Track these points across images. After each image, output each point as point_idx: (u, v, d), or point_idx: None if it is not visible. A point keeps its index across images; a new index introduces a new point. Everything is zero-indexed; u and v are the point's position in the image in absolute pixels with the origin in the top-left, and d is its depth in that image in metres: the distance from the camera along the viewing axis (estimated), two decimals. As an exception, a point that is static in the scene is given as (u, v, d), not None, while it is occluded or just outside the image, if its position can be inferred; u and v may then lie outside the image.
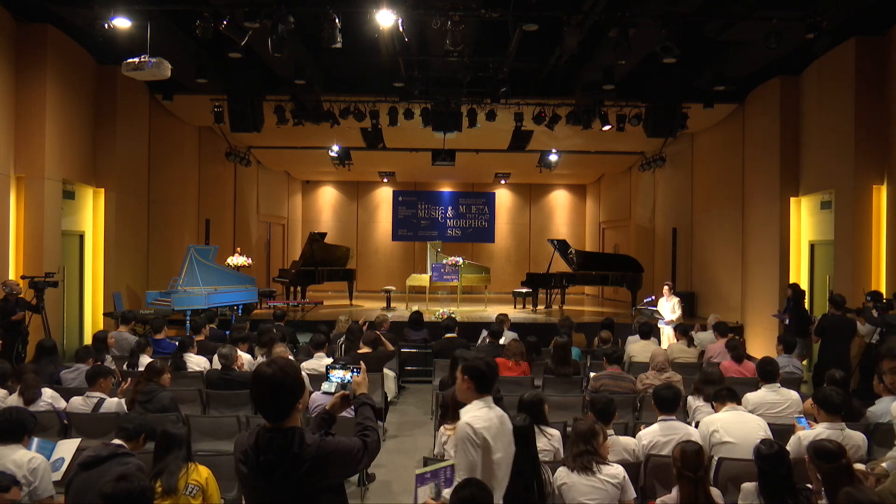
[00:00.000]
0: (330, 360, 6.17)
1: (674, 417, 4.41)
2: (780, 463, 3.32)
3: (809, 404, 4.51)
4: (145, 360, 6.56)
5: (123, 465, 3.31)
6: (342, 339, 8.04)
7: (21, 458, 3.56)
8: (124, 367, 6.73)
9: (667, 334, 10.05)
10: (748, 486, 3.47)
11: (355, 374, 3.01)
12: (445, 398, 4.68)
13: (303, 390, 2.43)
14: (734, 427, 4.31)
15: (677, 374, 6.18)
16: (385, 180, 20.31)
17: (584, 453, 3.62)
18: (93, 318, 10.77)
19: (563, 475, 3.63)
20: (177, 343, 7.40)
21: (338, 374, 3.30)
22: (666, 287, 10.65)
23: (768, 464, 3.33)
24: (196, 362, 6.95)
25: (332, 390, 3.14)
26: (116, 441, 3.55)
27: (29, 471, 3.53)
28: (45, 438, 4.71)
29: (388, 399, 7.69)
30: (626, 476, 3.63)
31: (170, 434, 3.55)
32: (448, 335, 8.36)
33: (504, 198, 20.94)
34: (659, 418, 4.43)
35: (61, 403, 5.28)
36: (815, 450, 3.28)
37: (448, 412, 4.41)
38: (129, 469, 3.09)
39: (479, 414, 2.95)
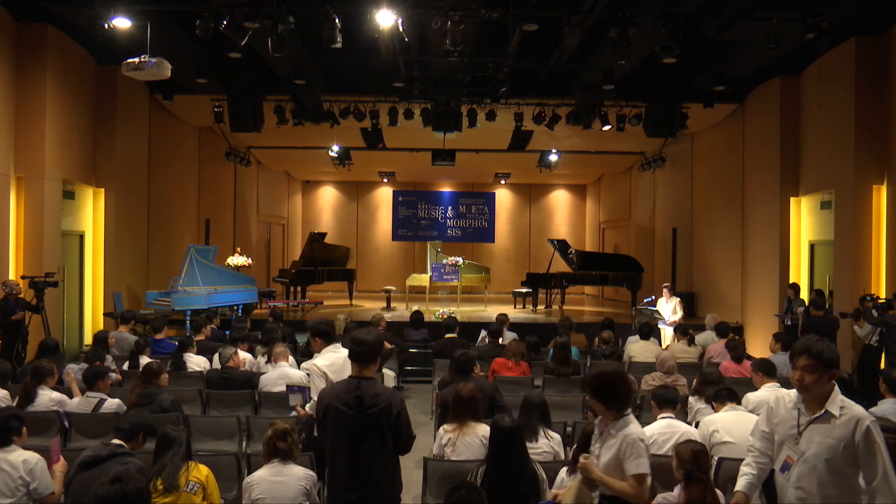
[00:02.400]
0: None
1: (673, 416, 4.42)
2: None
3: None
4: (145, 360, 6.56)
5: (123, 465, 3.31)
6: (339, 342, 8.02)
7: (16, 458, 3.55)
8: (124, 367, 6.74)
9: (667, 335, 10.05)
10: None
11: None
12: (444, 398, 4.69)
13: (381, 348, 3.50)
14: (734, 427, 4.31)
15: (683, 378, 6.16)
16: (385, 180, 20.31)
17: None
18: (93, 318, 10.77)
19: (565, 480, 3.57)
20: (177, 343, 7.40)
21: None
22: (665, 289, 10.64)
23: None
24: (196, 362, 6.95)
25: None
26: (116, 441, 3.54)
27: (26, 471, 3.53)
28: (43, 441, 4.72)
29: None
30: None
31: (168, 435, 3.56)
32: (448, 335, 8.36)
33: (504, 198, 20.95)
34: (658, 416, 4.43)
35: (65, 405, 5.27)
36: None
37: (447, 412, 4.42)
38: (128, 469, 3.09)
39: (326, 356, 4.44)
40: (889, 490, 2.68)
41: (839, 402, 2.80)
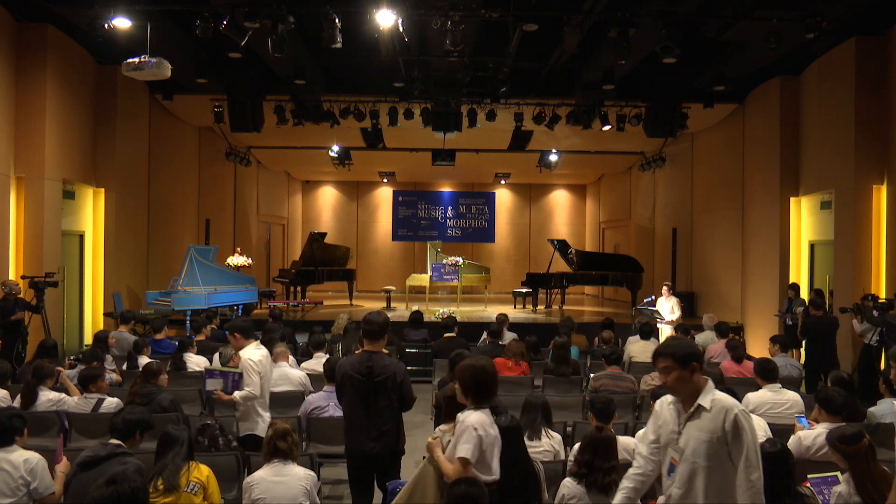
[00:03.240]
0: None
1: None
2: (783, 462, 3.32)
3: (817, 411, 4.50)
4: (144, 360, 6.56)
5: (122, 464, 3.31)
6: (340, 342, 8.02)
7: (17, 458, 3.55)
8: (124, 367, 6.73)
9: (666, 334, 10.04)
10: None
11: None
12: (438, 398, 4.70)
13: (388, 327, 4.20)
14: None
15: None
16: (385, 180, 20.30)
17: (606, 470, 3.49)
18: (93, 318, 10.77)
19: (571, 489, 3.51)
20: (176, 343, 7.39)
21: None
22: (665, 287, 10.65)
23: (770, 462, 3.33)
24: (196, 362, 6.94)
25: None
26: (114, 441, 3.54)
27: (26, 471, 3.53)
28: (43, 441, 4.73)
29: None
30: None
31: (169, 435, 3.56)
32: (447, 335, 8.36)
33: (504, 198, 20.94)
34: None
35: (67, 405, 5.27)
36: (836, 437, 3.35)
37: (442, 412, 4.41)
38: (126, 469, 3.09)
39: (254, 353, 4.90)
40: (747, 474, 2.68)
41: (711, 396, 2.79)
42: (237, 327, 5.06)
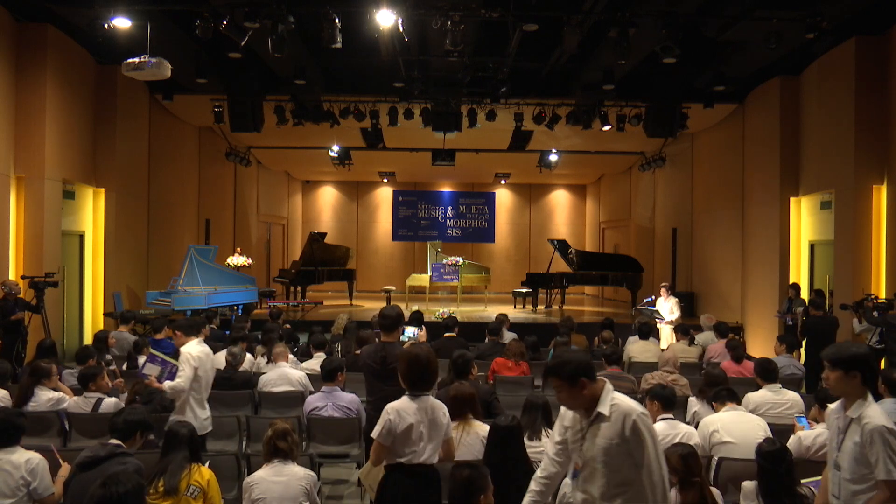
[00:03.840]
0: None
1: (672, 416, 4.41)
2: (781, 461, 3.32)
3: (817, 411, 4.51)
4: (144, 360, 6.55)
5: (122, 465, 3.30)
6: (339, 342, 8.01)
7: (18, 458, 3.55)
8: (123, 367, 6.73)
9: (665, 334, 10.05)
10: (749, 485, 3.46)
11: None
12: (440, 398, 4.70)
13: (402, 320, 4.82)
14: (734, 427, 4.31)
15: (684, 378, 6.15)
16: (385, 180, 20.30)
17: None
18: (93, 318, 10.77)
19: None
20: (176, 343, 7.38)
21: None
22: (663, 288, 10.66)
23: (769, 461, 3.33)
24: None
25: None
26: (114, 441, 3.54)
27: (27, 471, 3.52)
28: (43, 441, 4.72)
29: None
30: None
31: (173, 433, 3.55)
32: (447, 335, 8.35)
33: (504, 198, 20.94)
34: (658, 417, 4.43)
35: (64, 404, 5.27)
36: None
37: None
38: (125, 469, 3.09)
39: (196, 348, 4.93)
40: (649, 478, 2.68)
41: (609, 402, 2.77)
42: (178, 325, 5.22)
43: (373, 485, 3.55)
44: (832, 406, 3.12)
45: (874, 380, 2.96)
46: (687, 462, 3.32)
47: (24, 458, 3.56)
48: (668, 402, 4.42)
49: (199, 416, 4.86)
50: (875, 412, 2.87)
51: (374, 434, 3.38)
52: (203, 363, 4.91)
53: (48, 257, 9.24)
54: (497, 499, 3.11)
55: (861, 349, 3.01)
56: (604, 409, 2.76)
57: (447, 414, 3.50)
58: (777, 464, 3.30)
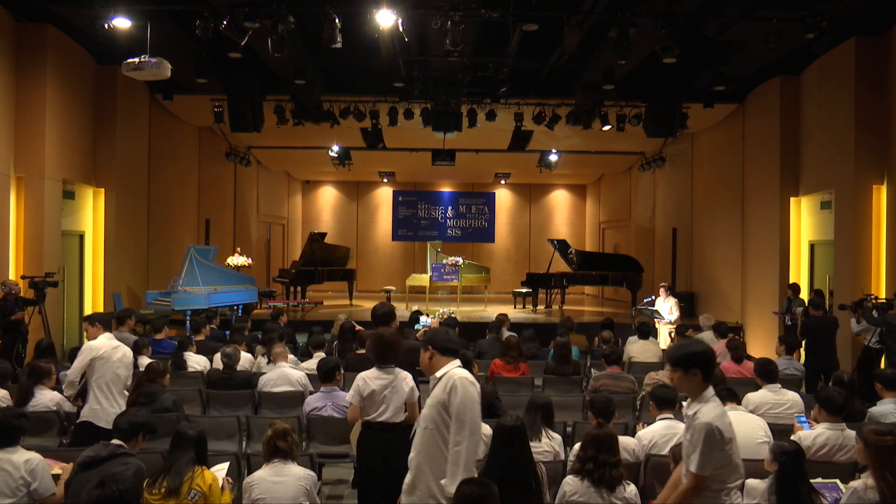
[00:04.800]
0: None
1: (672, 416, 4.42)
2: (801, 461, 3.31)
3: (817, 411, 4.50)
4: (145, 360, 6.55)
5: (123, 465, 3.30)
6: (336, 341, 8.01)
7: (19, 458, 3.55)
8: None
9: (664, 334, 10.05)
10: (754, 484, 3.44)
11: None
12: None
13: (393, 316, 5.45)
14: (734, 427, 4.30)
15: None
16: (385, 180, 20.30)
17: (612, 464, 3.49)
18: (93, 318, 10.75)
19: (573, 486, 3.49)
20: (176, 343, 7.39)
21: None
22: (662, 288, 10.66)
23: (785, 461, 3.31)
24: (196, 361, 6.95)
25: None
26: (116, 441, 3.54)
27: (27, 471, 3.53)
28: (43, 441, 4.71)
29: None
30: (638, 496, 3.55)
31: (180, 434, 3.54)
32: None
33: (504, 198, 20.94)
34: (658, 417, 4.43)
35: (66, 405, 5.27)
36: (871, 430, 3.36)
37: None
38: (125, 470, 3.09)
39: (100, 340, 5.18)
40: (454, 436, 3.05)
41: (447, 369, 3.22)
42: (93, 318, 5.58)
43: (353, 440, 4.27)
44: (684, 404, 3.23)
45: (711, 376, 3.06)
46: None
47: (24, 458, 3.56)
48: (667, 401, 4.42)
49: (107, 408, 4.96)
50: (708, 410, 2.97)
51: (348, 398, 4.23)
52: (105, 356, 5.06)
53: (48, 257, 9.24)
54: (503, 499, 3.11)
55: (700, 347, 3.10)
56: (440, 373, 3.24)
57: (411, 383, 4.16)
58: (802, 461, 3.29)
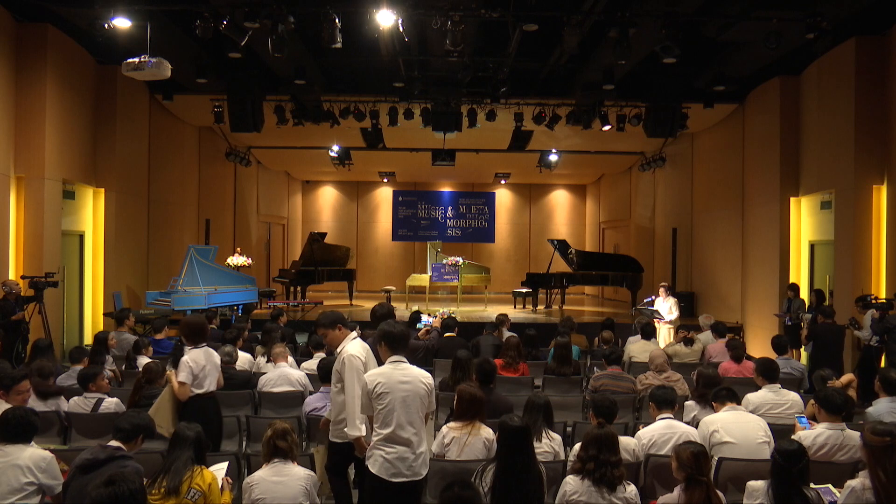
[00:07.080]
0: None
1: (672, 416, 4.41)
2: (798, 461, 3.31)
3: (812, 405, 4.51)
4: (144, 360, 6.55)
5: (122, 467, 3.29)
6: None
7: (29, 455, 3.56)
8: (123, 367, 6.73)
9: (664, 334, 10.05)
10: (755, 485, 3.44)
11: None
12: (439, 398, 4.75)
13: (392, 315, 5.47)
14: (734, 427, 4.30)
15: (677, 374, 6.17)
16: (385, 180, 20.30)
17: (614, 463, 3.48)
18: (93, 318, 10.77)
19: (574, 485, 3.48)
20: (176, 343, 7.39)
21: None
22: (662, 288, 10.66)
23: (787, 460, 3.30)
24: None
25: None
26: (114, 443, 3.53)
27: (38, 468, 3.53)
28: (43, 441, 4.71)
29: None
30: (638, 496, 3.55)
31: (179, 434, 3.54)
32: (447, 335, 8.34)
33: (504, 198, 20.94)
34: (658, 417, 4.43)
35: (65, 405, 5.27)
36: (870, 429, 3.39)
37: (454, 411, 4.43)
38: (126, 471, 3.08)
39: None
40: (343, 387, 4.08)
41: (347, 345, 4.20)
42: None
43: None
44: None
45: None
46: (698, 460, 3.31)
47: (36, 454, 3.57)
48: (667, 401, 4.42)
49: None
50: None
51: (182, 378, 4.82)
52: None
53: (48, 257, 9.24)
54: (506, 499, 3.11)
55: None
56: (341, 348, 4.23)
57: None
58: (794, 463, 3.29)
